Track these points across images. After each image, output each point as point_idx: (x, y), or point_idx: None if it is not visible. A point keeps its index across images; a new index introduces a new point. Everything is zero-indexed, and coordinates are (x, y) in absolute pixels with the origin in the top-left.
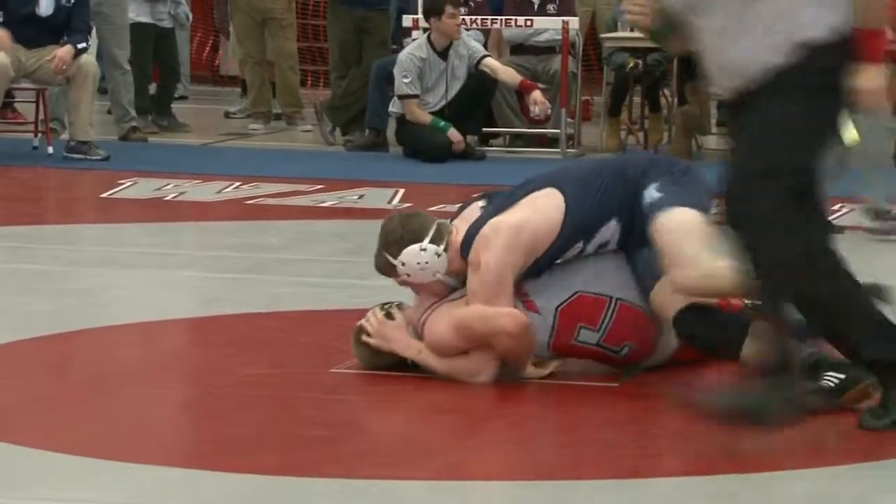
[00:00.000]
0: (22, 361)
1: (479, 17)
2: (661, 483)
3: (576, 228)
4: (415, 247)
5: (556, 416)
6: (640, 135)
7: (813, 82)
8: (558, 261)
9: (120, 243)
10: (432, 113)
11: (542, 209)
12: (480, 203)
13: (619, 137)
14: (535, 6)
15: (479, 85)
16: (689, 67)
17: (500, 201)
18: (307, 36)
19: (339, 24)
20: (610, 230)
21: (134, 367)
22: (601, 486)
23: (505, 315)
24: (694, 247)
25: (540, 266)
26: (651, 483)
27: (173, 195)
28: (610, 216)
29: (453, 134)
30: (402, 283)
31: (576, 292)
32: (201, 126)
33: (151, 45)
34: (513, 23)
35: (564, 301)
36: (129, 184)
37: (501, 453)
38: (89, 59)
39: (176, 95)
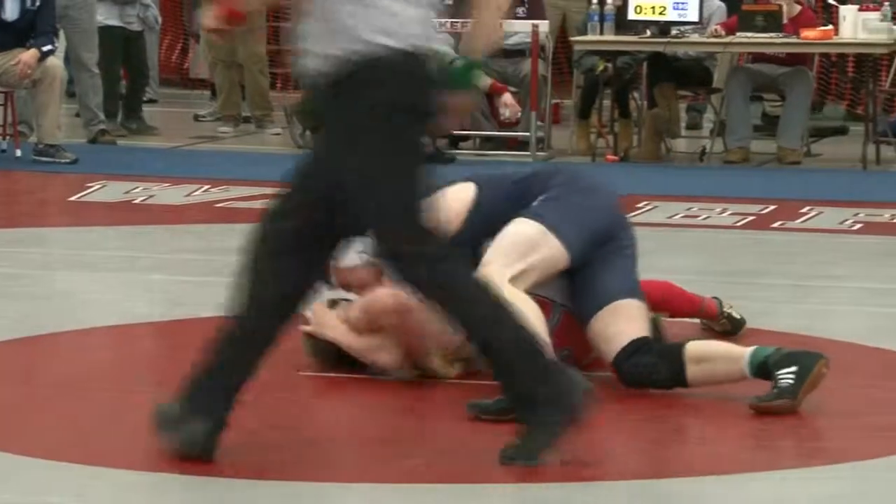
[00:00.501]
0: None
1: (449, 21)
2: (619, 485)
3: (482, 225)
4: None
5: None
6: (610, 138)
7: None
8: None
9: (89, 246)
10: None
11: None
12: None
13: (589, 140)
14: None
15: None
16: (659, 71)
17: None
18: (277, 39)
19: None
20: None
21: (102, 370)
22: (567, 488)
23: (386, 294)
24: (499, 255)
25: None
26: (610, 485)
27: (142, 198)
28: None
29: None
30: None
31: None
32: (171, 129)
33: (120, 48)
34: None
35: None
36: (97, 187)
37: (461, 459)
38: (55, 62)
39: (145, 98)
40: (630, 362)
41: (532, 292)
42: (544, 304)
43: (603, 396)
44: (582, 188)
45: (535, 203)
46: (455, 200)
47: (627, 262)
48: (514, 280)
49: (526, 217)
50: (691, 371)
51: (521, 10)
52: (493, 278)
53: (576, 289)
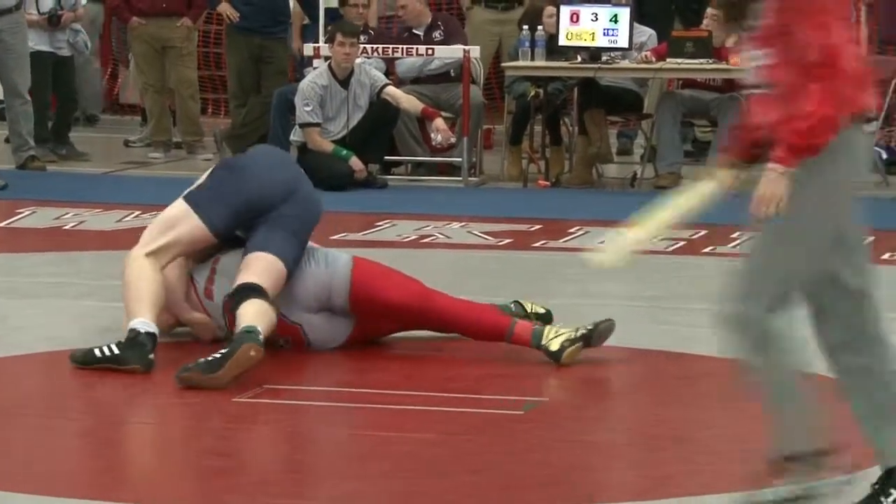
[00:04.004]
0: None
1: (380, 46)
2: None
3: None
4: None
5: (459, 444)
6: (542, 163)
7: None
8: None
9: (19, 273)
10: (334, 141)
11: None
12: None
13: (521, 166)
14: (422, 37)
15: (382, 113)
16: (590, 97)
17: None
18: (208, 64)
19: (236, 53)
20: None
21: (33, 397)
22: None
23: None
24: (145, 234)
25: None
26: None
27: (73, 224)
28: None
29: (355, 162)
30: None
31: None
32: (101, 154)
33: (50, 73)
34: (413, 51)
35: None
36: (28, 213)
37: (398, 481)
38: None
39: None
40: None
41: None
42: (293, 328)
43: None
44: (234, 169)
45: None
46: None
47: (273, 225)
48: (153, 254)
49: (178, 199)
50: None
51: (437, 34)
52: (131, 255)
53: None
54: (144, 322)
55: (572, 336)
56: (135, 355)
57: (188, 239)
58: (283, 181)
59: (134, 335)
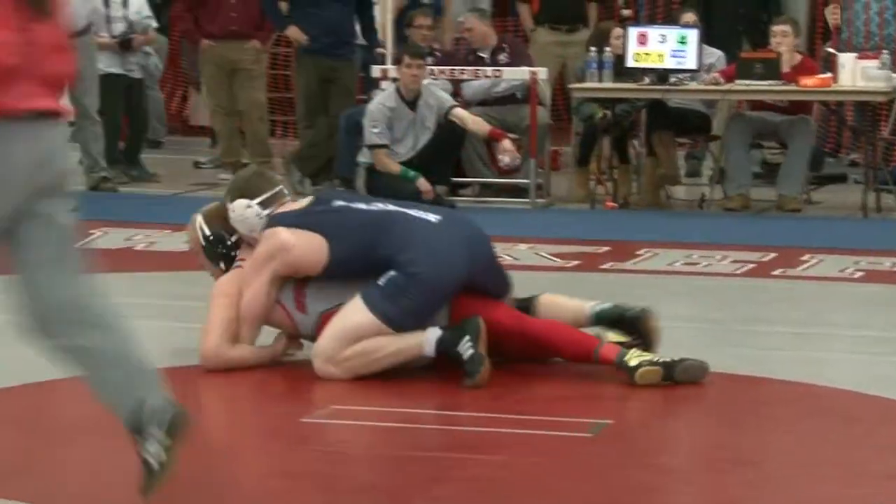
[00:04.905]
0: None
1: (448, 68)
2: None
3: (336, 277)
4: (244, 201)
5: (527, 467)
6: (609, 185)
7: None
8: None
9: None
10: (402, 163)
11: (308, 251)
12: (308, 200)
13: (588, 187)
14: (487, 59)
15: (449, 135)
16: (658, 118)
17: (309, 211)
18: (277, 86)
19: (305, 75)
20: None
21: (98, 418)
22: None
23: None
24: (331, 345)
25: (313, 279)
26: None
27: (143, 245)
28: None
29: (422, 183)
30: (231, 230)
31: (339, 304)
32: (171, 176)
33: (121, 95)
34: (480, 74)
35: (328, 309)
36: (98, 234)
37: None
38: None
39: (161, 139)
40: None
41: (344, 302)
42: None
43: None
44: (425, 281)
45: (381, 282)
46: (315, 253)
47: None
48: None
49: (364, 304)
50: None
51: (503, 56)
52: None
53: None
54: None
55: (654, 360)
56: None
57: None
58: (459, 270)
59: None
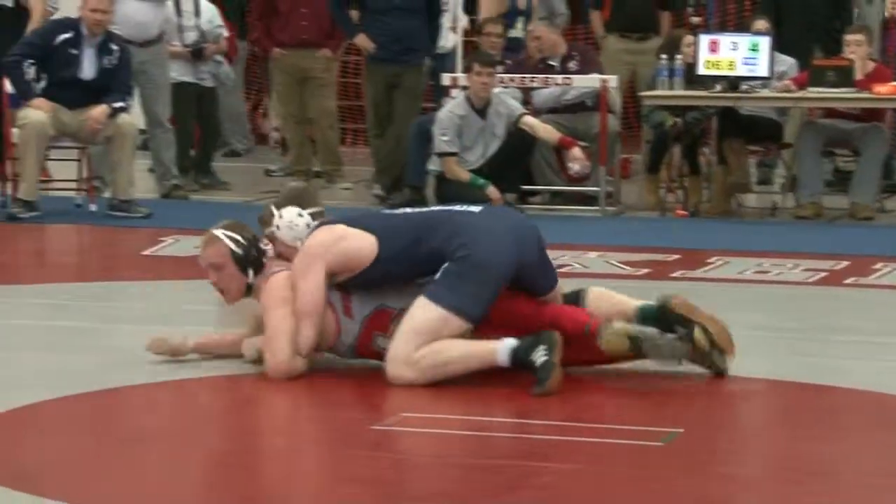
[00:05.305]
0: (58, 419)
1: (518, 76)
2: None
3: (384, 279)
4: (296, 209)
5: (598, 475)
6: (680, 192)
7: None
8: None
9: (161, 300)
10: (471, 171)
11: (360, 242)
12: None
13: (658, 195)
14: (557, 67)
15: (518, 143)
16: (729, 126)
17: (353, 217)
18: (348, 94)
19: (373, 83)
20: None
21: (171, 424)
22: None
23: (273, 350)
24: (406, 348)
25: (358, 282)
26: None
27: None
28: (416, 277)
29: (492, 191)
30: (268, 236)
31: (380, 305)
32: (242, 184)
33: (193, 104)
34: (550, 81)
35: (370, 314)
36: (170, 241)
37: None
38: (128, 119)
39: (241, 149)
40: None
41: (387, 305)
42: (392, 314)
43: None
44: (478, 262)
45: (437, 277)
46: (364, 253)
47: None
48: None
49: (429, 300)
50: None
51: (572, 64)
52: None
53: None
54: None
55: (629, 332)
56: None
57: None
58: (513, 254)
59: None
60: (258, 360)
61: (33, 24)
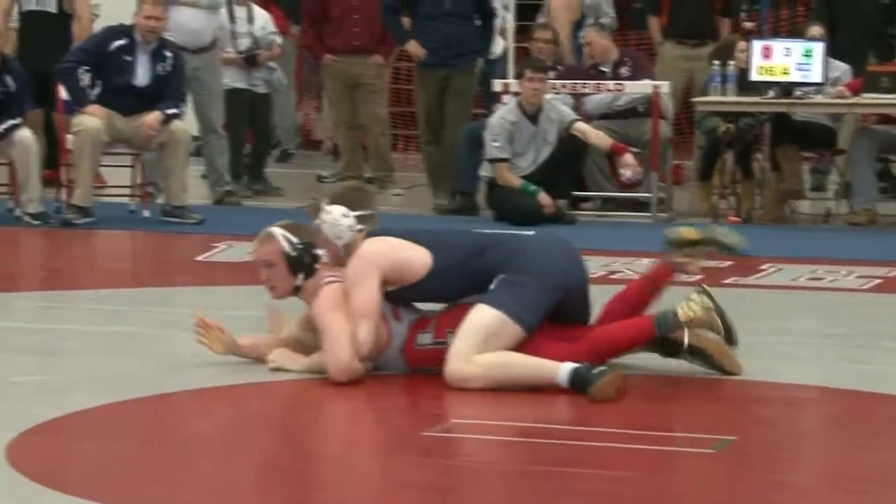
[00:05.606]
0: (111, 424)
1: (570, 82)
2: None
3: (435, 293)
4: (343, 208)
5: (649, 482)
6: (732, 199)
7: None
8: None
9: (213, 306)
10: (523, 177)
11: (414, 253)
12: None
13: (711, 201)
14: (609, 72)
15: (570, 149)
16: (782, 132)
17: (407, 229)
18: (399, 101)
19: (424, 89)
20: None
21: (224, 429)
22: None
23: (334, 355)
24: (466, 345)
25: (407, 294)
26: None
27: None
28: (464, 294)
29: (543, 198)
30: (314, 229)
31: (425, 311)
32: (295, 190)
33: (246, 110)
34: (601, 87)
35: (417, 319)
36: (223, 247)
37: None
38: (181, 126)
39: (291, 151)
40: None
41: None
42: (427, 319)
43: None
44: (535, 271)
45: (492, 286)
46: (417, 268)
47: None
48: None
49: (487, 304)
50: None
51: (624, 70)
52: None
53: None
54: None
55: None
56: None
57: (507, 345)
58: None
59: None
60: (281, 368)
61: (82, 30)
